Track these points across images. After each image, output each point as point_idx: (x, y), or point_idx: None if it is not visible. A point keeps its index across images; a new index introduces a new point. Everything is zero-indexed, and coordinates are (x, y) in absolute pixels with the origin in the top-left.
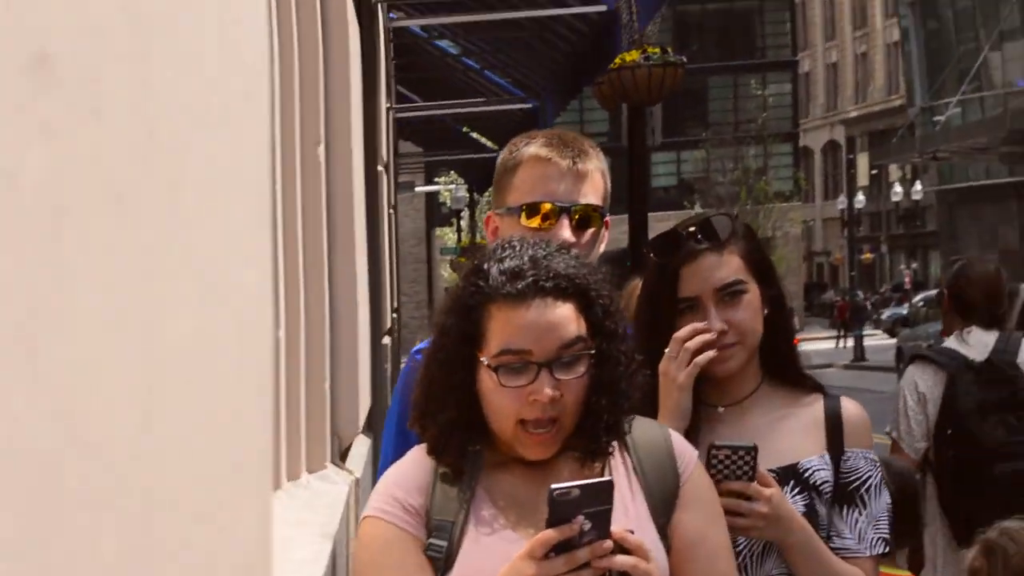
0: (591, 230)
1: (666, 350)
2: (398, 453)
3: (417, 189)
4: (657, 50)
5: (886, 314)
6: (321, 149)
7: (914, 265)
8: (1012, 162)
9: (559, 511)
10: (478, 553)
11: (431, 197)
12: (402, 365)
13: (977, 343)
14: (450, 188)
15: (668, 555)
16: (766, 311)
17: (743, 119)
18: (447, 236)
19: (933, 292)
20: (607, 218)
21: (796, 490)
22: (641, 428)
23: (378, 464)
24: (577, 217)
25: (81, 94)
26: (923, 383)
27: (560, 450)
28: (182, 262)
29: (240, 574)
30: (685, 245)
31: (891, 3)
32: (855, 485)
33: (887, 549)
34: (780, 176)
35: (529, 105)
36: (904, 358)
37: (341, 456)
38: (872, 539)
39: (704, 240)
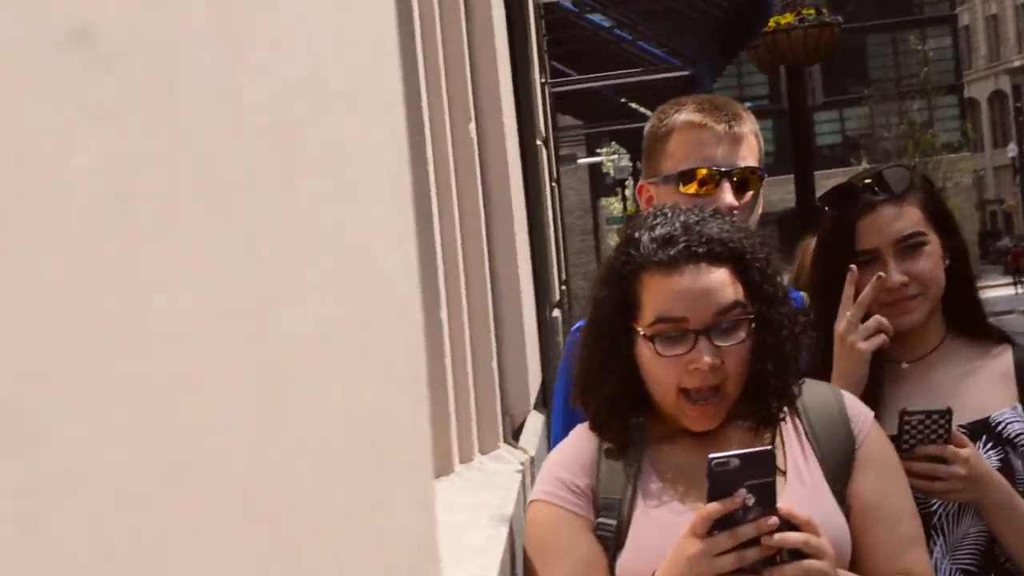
0: (750, 192)
1: (846, 312)
2: (567, 429)
3: (579, 161)
4: (812, 11)
5: None
6: (472, 127)
7: None
8: None
9: (719, 483)
10: (649, 528)
11: (594, 168)
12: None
13: None
14: (612, 158)
15: (848, 520)
16: (947, 262)
17: (904, 74)
18: (612, 206)
19: None
20: (764, 179)
21: (989, 445)
22: (811, 391)
23: (550, 442)
24: (736, 180)
25: (144, 73)
26: None
27: (728, 419)
28: (302, 251)
29: (404, 570)
30: (862, 197)
31: None
32: None
33: None
34: (946, 128)
35: (686, 72)
36: None
37: (514, 435)
38: None
39: (881, 192)
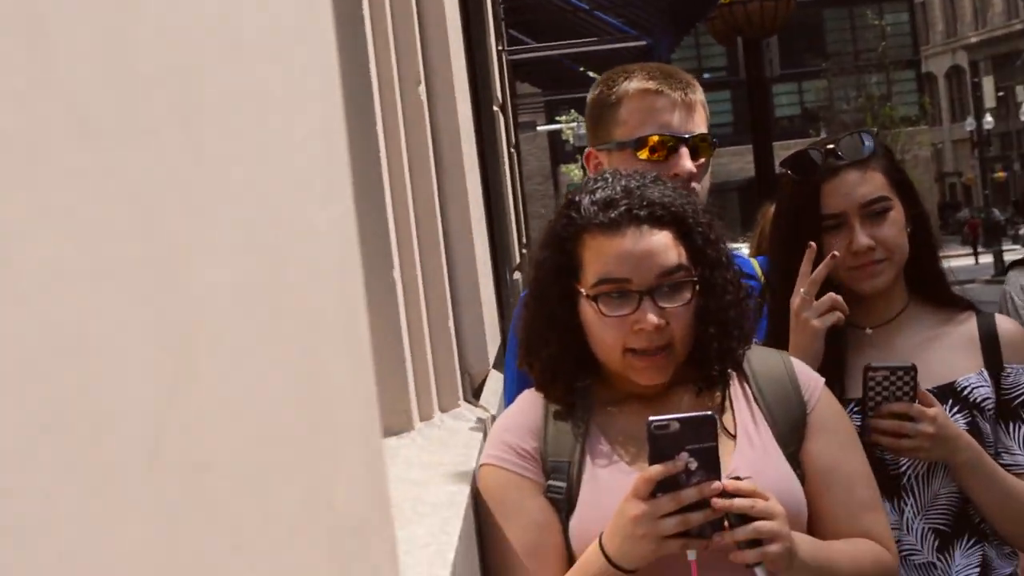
0: (702, 160)
1: (800, 289)
2: (519, 393)
3: (539, 128)
4: None
5: (1023, 229)
6: (422, 88)
7: None
8: None
9: (660, 446)
10: (598, 490)
11: (554, 136)
12: None
13: None
14: (572, 126)
15: (803, 484)
16: (909, 229)
17: (862, 48)
18: (572, 172)
19: None
20: (716, 148)
21: (956, 409)
22: (760, 357)
23: (503, 406)
24: (691, 147)
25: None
26: None
27: (674, 383)
28: (211, 204)
29: (350, 529)
30: (826, 162)
31: None
32: (1019, 400)
33: None
34: (905, 102)
35: (643, 43)
36: None
37: (474, 393)
38: None
39: (845, 157)
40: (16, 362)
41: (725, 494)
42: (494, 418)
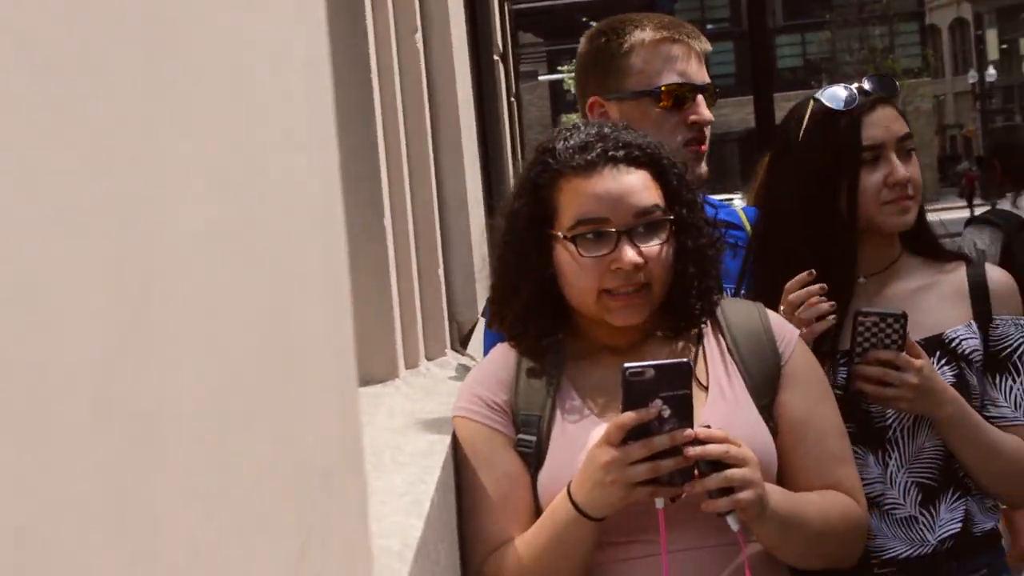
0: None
1: (781, 307)
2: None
3: (540, 78)
4: None
5: None
6: (418, 36)
7: None
8: None
9: (634, 393)
10: (567, 444)
11: (555, 85)
12: None
13: None
14: (573, 76)
15: (775, 437)
16: None
17: (866, 0)
18: (574, 122)
19: None
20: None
21: (943, 361)
22: (734, 308)
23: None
24: (706, 95)
25: None
26: (980, 242)
27: (647, 334)
28: (179, 148)
29: (318, 477)
30: (867, 94)
31: None
32: (1007, 352)
33: None
34: (908, 54)
35: None
36: None
37: (462, 342)
38: None
39: (879, 92)
40: None
41: (697, 441)
42: None
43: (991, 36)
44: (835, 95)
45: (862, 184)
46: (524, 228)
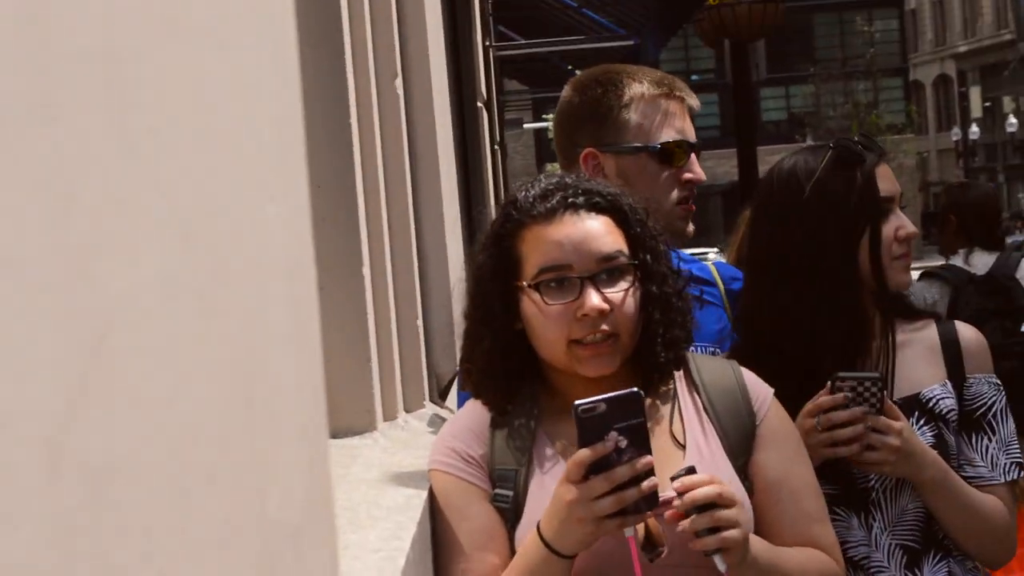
0: None
1: (816, 419)
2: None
3: (525, 126)
4: None
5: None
6: (399, 82)
7: None
8: None
9: (588, 429)
10: (546, 498)
11: (540, 133)
12: None
13: (979, 263)
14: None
15: (751, 496)
16: None
17: (851, 55)
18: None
19: None
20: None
21: (922, 421)
22: (709, 368)
23: None
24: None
25: None
26: (930, 295)
27: (621, 386)
28: (137, 196)
29: (286, 533)
30: (874, 148)
31: None
32: (981, 411)
33: (1022, 473)
34: (891, 110)
35: (630, 42)
36: None
37: (440, 394)
38: (1005, 464)
39: (875, 149)
40: None
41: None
42: None
43: (975, 93)
44: (850, 148)
45: (884, 236)
46: (489, 280)
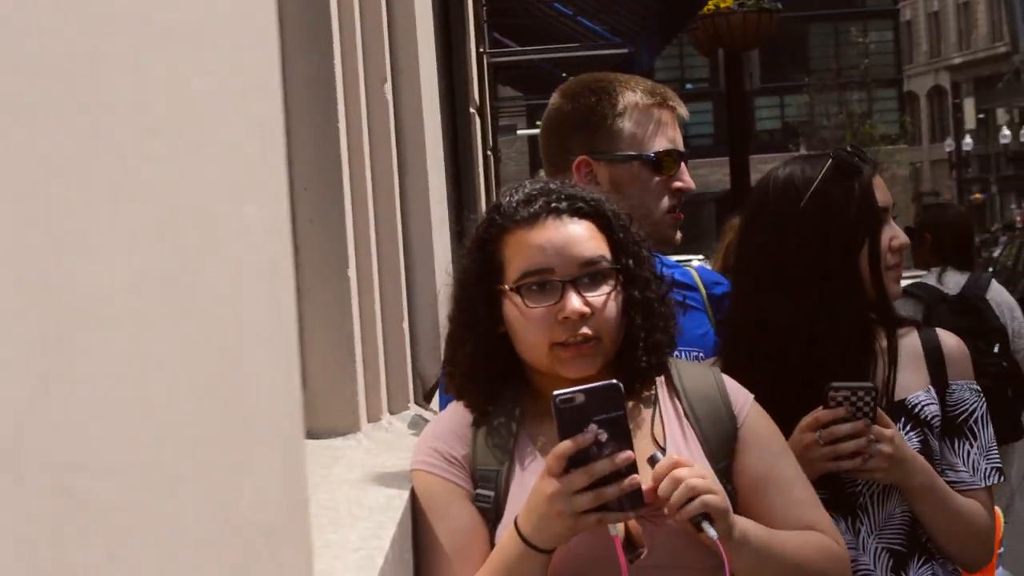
0: None
1: (817, 434)
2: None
3: (519, 132)
4: None
5: (996, 252)
6: (388, 87)
7: None
8: None
9: (568, 421)
10: (526, 499)
11: (534, 140)
12: None
13: (951, 282)
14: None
15: (736, 499)
16: None
17: (845, 65)
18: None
19: None
20: None
21: (908, 427)
22: (689, 373)
23: None
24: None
25: None
26: (904, 312)
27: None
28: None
29: (263, 536)
30: (867, 160)
31: None
32: (963, 417)
33: (1001, 479)
34: (885, 120)
35: (625, 50)
36: None
37: (425, 396)
38: (986, 470)
39: (867, 161)
40: None
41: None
42: None
43: (968, 105)
44: (848, 158)
45: (883, 247)
46: (473, 284)
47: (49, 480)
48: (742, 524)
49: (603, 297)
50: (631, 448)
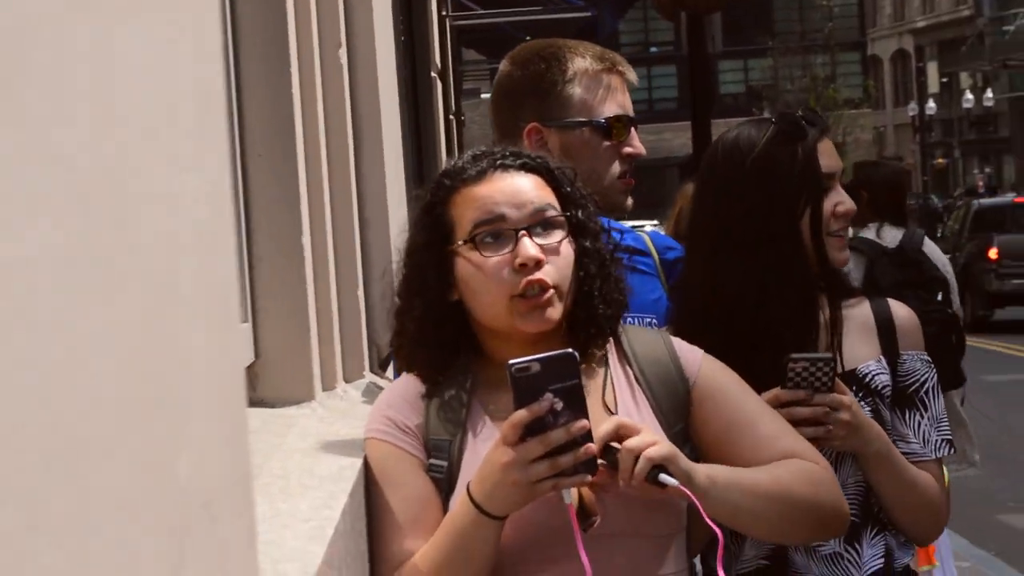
0: None
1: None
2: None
3: (483, 96)
4: None
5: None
6: (342, 52)
7: (988, 169)
8: None
9: (523, 389)
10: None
11: None
12: None
13: (888, 237)
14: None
15: (697, 457)
16: None
17: (809, 29)
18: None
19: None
20: None
21: (860, 396)
22: (639, 339)
23: None
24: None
25: None
26: (850, 267)
27: (559, 344)
28: (35, 166)
29: (203, 506)
30: (809, 124)
31: None
32: (914, 387)
33: (952, 450)
34: (849, 84)
35: (588, 14)
36: None
37: (381, 364)
38: (936, 441)
39: (818, 124)
40: None
41: (610, 449)
42: None
43: (932, 69)
44: (791, 122)
45: (825, 212)
46: (422, 250)
47: None
48: (706, 468)
49: (556, 243)
50: (587, 417)
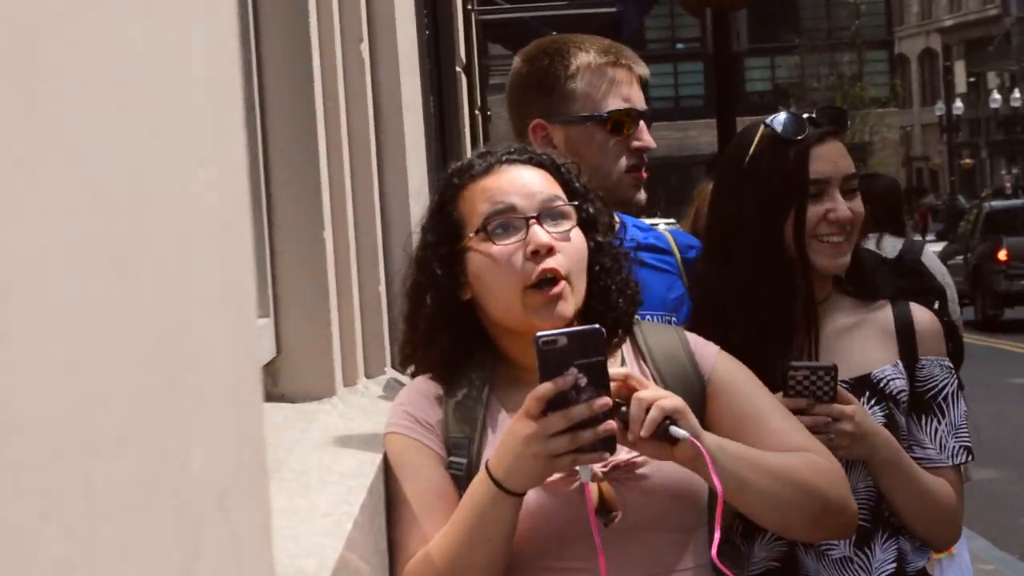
0: None
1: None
2: None
3: None
4: None
5: None
6: (364, 46)
7: (1015, 170)
8: None
9: (549, 363)
10: None
11: None
12: None
13: (888, 246)
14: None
15: None
16: None
17: (836, 26)
18: None
19: None
20: None
21: (872, 401)
22: (655, 335)
23: None
24: (646, 121)
25: None
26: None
27: None
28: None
29: (216, 500)
30: (816, 125)
31: None
32: (932, 393)
33: (970, 458)
34: (876, 83)
35: (612, 9)
36: None
37: (402, 361)
38: (954, 448)
39: (828, 125)
40: None
41: (618, 405)
42: None
43: (959, 68)
44: (785, 123)
45: (810, 218)
46: (433, 247)
47: None
48: (716, 437)
49: (566, 231)
50: (609, 394)
